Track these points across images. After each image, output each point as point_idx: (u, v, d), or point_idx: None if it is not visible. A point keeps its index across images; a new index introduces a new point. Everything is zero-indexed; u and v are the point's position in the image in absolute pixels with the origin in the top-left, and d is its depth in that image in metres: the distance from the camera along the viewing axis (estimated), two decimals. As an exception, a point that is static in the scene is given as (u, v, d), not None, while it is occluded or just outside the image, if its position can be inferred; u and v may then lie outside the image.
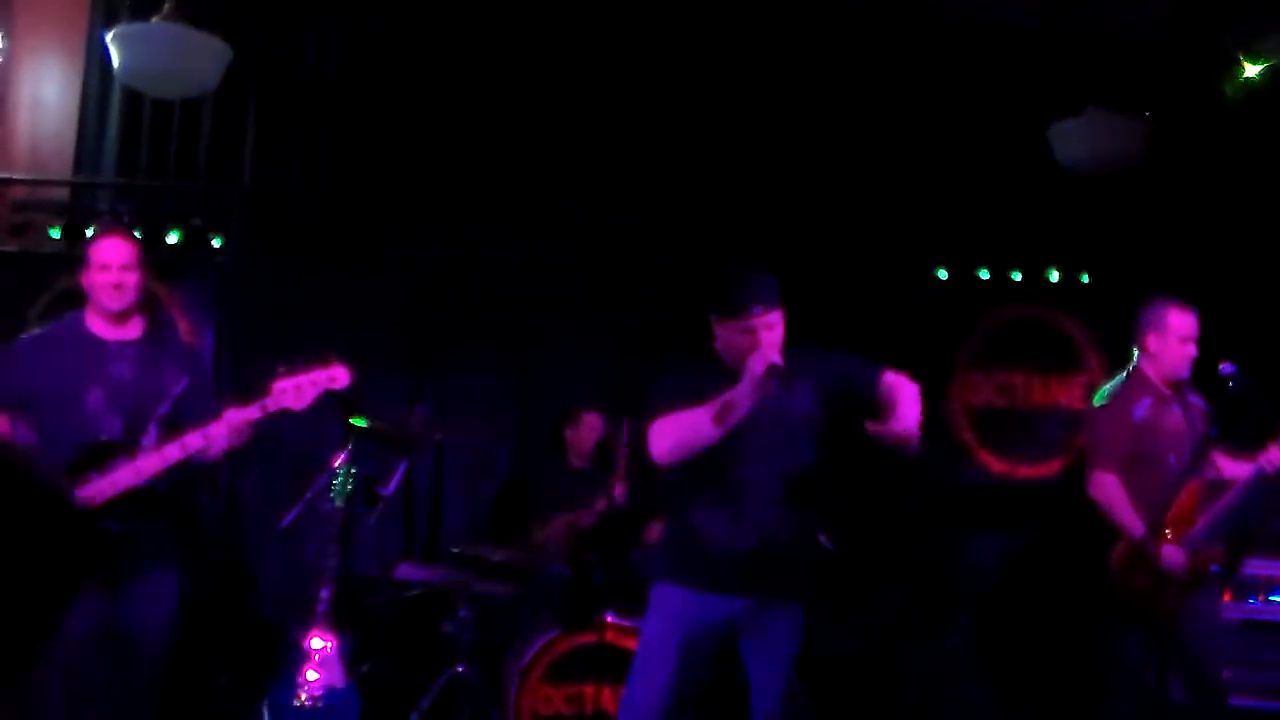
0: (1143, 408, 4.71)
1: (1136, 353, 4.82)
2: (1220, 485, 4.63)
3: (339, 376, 4.23)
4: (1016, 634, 6.49)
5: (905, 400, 3.79)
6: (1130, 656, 4.60)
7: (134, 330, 4.27)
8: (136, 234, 4.35)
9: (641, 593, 4.05)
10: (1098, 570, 4.70)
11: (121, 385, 4.14)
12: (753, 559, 3.85)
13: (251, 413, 4.12)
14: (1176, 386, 4.72)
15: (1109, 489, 4.66)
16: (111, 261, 4.18)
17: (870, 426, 3.77)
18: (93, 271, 4.19)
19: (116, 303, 4.19)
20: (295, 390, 4.17)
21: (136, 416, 4.12)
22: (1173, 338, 4.71)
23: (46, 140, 6.78)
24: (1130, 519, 4.60)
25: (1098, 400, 4.89)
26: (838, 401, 3.98)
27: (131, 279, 4.20)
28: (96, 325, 4.24)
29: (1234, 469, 4.67)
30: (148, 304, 4.35)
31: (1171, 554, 4.51)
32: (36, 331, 4.35)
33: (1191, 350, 4.70)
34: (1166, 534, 4.53)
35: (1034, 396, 6.95)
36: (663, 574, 4.00)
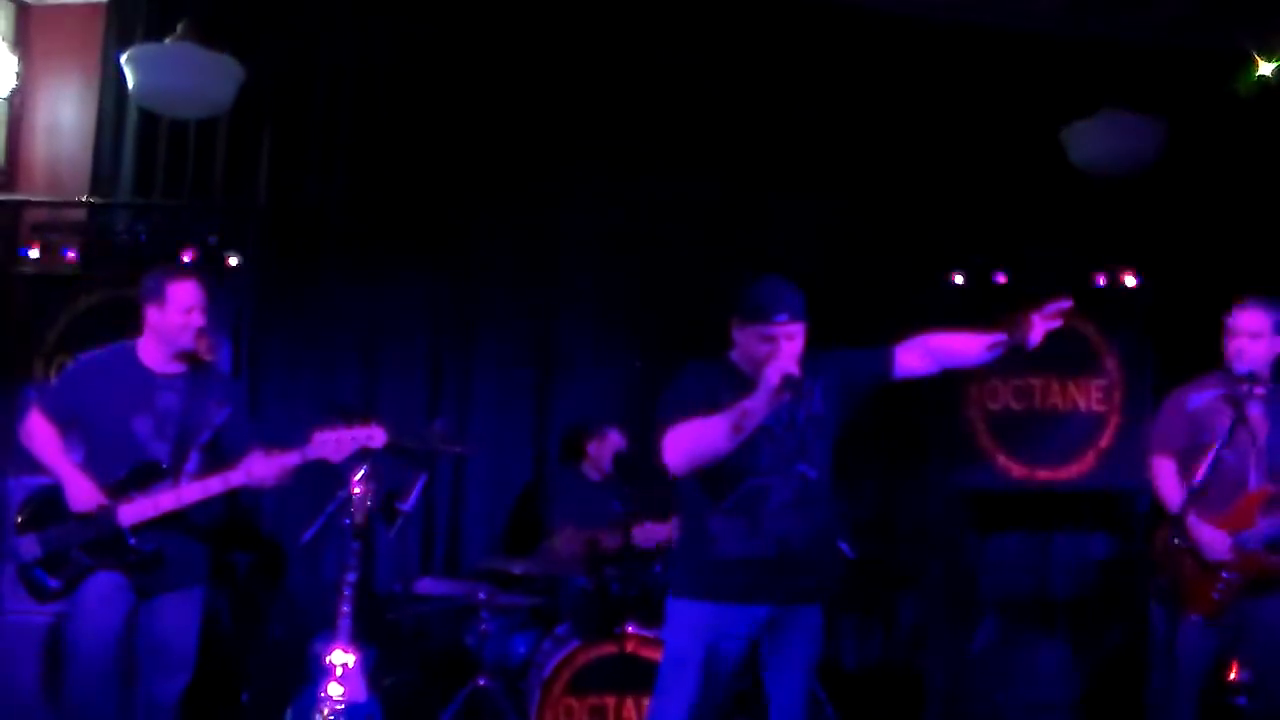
0: (1201, 399, 4.68)
1: None
2: None
3: (376, 436, 4.47)
4: (1040, 638, 6.45)
5: (944, 348, 4.00)
6: (1188, 646, 4.49)
7: (181, 363, 4.50)
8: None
9: (662, 602, 4.05)
10: (1143, 558, 4.66)
11: (168, 414, 4.41)
12: (770, 567, 3.83)
13: (291, 459, 4.37)
14: (1244, 384, 4.56)
15: (1159, 472, 4.69)
16: (195, 304, 4.42)
17: (989, 356, 3.95)
18: (171, 312, 4.41)
19: (189, 343, 4.45)
20: (335, 443, 4.40)
21: (181, 444, 4.39)
22: (1227, 333, 4.67)
23: (63, 162, 6.83)
24: (1170, 494, 4.60)
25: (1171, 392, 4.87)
26: (857, 397, 4.00)
27: (203, 322, 4.46)
28: (149, 356, 4.48)
29: None
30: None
31: (1204, 531, 4.47)
32: (93, 353, 4.55)
33: (1240, 344, 4.59)
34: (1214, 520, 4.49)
35: (1052, 400, 6.92)
36: (680, 587, 3.98)
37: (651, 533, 5.49)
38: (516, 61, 6.75)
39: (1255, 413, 4.56)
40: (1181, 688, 4.50)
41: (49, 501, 4.34)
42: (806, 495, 3.88)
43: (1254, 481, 4.55)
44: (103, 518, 4.27)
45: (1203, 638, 4.53)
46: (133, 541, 4.28)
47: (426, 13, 6.77)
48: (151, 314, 4.45)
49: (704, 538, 3.89)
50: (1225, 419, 4.51)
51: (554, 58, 6.77)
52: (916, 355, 4.01)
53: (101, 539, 4.28)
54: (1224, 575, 4.48)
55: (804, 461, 3.89)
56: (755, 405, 3.65)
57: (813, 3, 6.81)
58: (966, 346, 4.02)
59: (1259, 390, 4.56)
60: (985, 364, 4.01)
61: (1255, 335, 4.61)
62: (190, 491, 4.32)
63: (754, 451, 3.79)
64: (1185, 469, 4.60)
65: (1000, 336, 3.93)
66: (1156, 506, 4.80)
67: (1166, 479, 4.66)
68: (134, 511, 4.29)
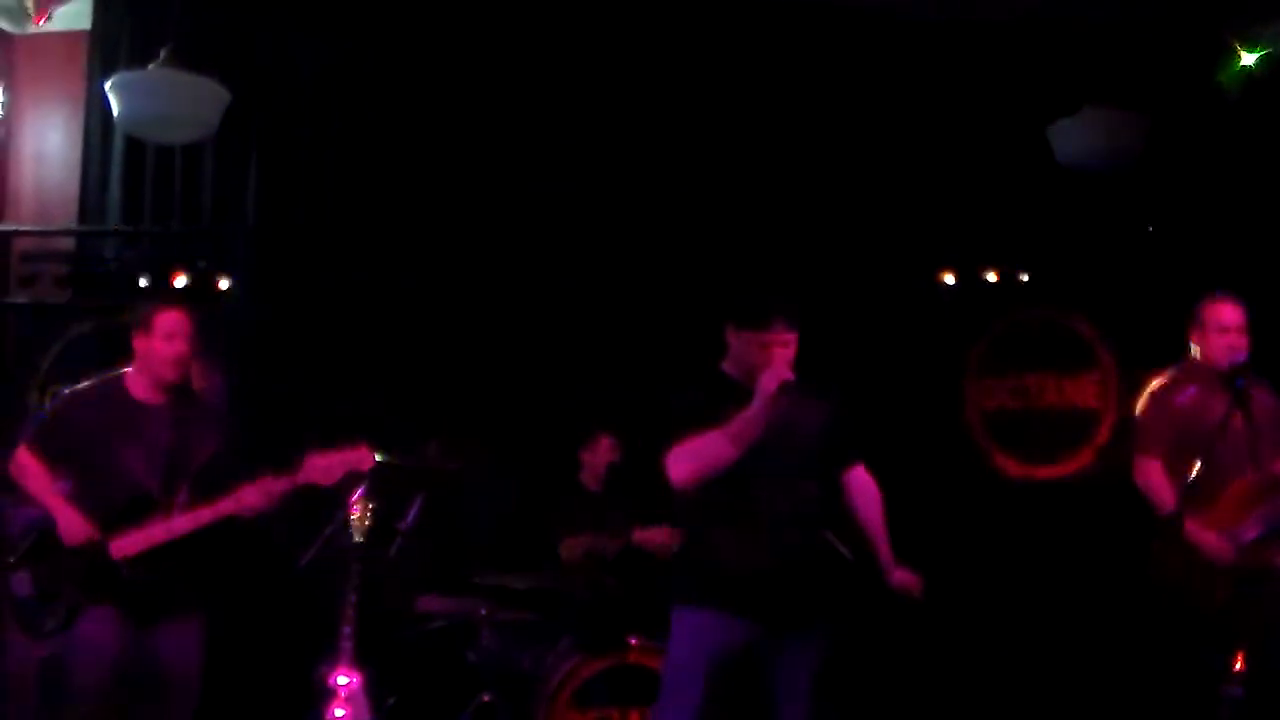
0: (1186, 396, 4.69)
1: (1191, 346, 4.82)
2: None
3: (365, 459, 4.45)
4: (1046, 635, 6.44)
5: (865, 514, 4.13)
6: (1190, 651, 4.49)
7: (171, 393, 4.47)
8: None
9: (664, 613, 4.04)
10: (1139, 562, 4.64)
11: (159, 447, 4.38)
12: (773, 579, 3.83)
13: (281, 485, 4.33)
14: (1230, 378, 4.56)
15: (1150, 472, 4.65)
16: (178, 331, 4.39)
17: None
18: (155, 340, 4.38)
19: (174, 374, 4.42)
20: (325, 469, 4.37)
21: (172, 476, 4.37)
22: (1211, 329, 4.70)
23: (51, 191, 6.83)
24: (1163, 496, 4.56)
25: (1149, 390, 4.84)
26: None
27: (189, 352, 4.43)
28: (138, 389, 4.45)
29: None
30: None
31: (1199, 532, 4.44)
32: (82, 386, 4.52)
33: (1231, 340, 4.64)
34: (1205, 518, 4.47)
35: (1048, 397, 6.91)
36: (684, 597, 3.98)
37: (652, 537, 5.50)
38: (504, 80, 6.76)
39: (1228, 404, 4.54)
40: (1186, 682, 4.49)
41: (41, 536, 4.31)
42: (807, 509, 3.88)
43: (1246, 473, 4.54)
44: (94, 552, 4.24)
45: (1211, 635, 4.49)
46: (125, 575, 4.24)
47: (412, 32, 6.78)
48: (138, 342, 4.43)
49: (705, 549, 3.89)
50: (1214, 414, 4.51)
51: (537, 72, 6.77)
52: (853, 493, 4.14)
53: (93, 573, 4.24)
54: (1226, 575, 4.44)
55: (804, 473, 3.90)
56: (754, 414, 3.66)
57: (796, 1, 6.82)
58: (874, 533, 4.15)
59: (1253, 382, 4.58)
60: None
61: (1241, 330, 4.66)
62: (181, 523, 4.29)
63: (755, 464, 3.79)
64: (1173, 468, 4.59)
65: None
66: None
67: (1158, 479, 4.63)
68: (125, 544, 4.25)
